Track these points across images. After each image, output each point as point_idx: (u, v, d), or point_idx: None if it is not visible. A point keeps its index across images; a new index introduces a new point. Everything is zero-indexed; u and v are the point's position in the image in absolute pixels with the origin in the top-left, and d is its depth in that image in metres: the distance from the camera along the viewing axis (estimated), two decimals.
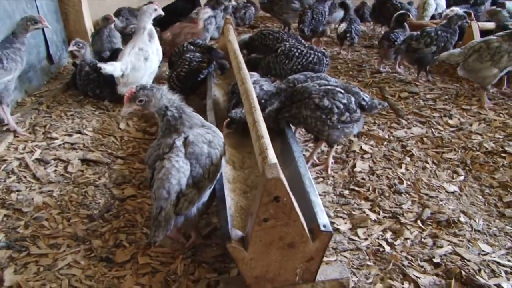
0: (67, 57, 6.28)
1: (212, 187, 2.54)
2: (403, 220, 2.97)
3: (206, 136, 2.48)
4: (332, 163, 3.66)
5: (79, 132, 4.17)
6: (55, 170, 3.58)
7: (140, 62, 4.62)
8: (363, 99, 3.40)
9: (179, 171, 2.29)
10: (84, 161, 3.74)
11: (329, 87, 3.33)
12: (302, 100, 3.28)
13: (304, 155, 3.77)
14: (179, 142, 2.40)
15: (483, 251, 2.67)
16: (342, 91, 3.32)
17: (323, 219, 2.26)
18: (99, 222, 3.04)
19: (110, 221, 3.06)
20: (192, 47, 5.26)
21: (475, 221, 2.95)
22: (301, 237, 2.17)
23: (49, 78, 5.57)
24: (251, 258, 2.21)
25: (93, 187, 3.41)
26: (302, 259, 2.25)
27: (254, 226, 2.12)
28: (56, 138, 4.03)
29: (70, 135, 4.10)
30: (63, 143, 3.96)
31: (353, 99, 3.33)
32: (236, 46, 4.62)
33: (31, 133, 4.11)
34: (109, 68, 4.47)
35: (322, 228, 2.19)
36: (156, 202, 2.26)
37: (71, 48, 4.71)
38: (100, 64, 4.51)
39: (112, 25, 5.57)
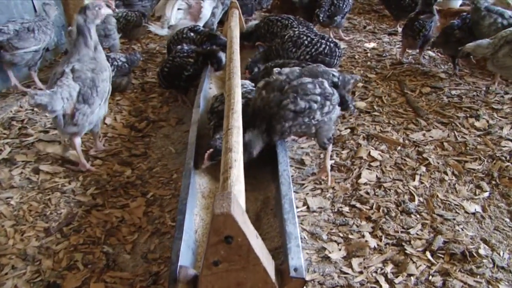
0: (66, 43, 5.92)
1: (104, 102, 3.23)
2: (408, 250, 2.45)
3: (90, 65, 3.08)
4: (331, 164, 3.16)
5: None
6: (21, 173, 3.22)
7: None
8: (333, 75, 2.91)
9: (69, 87, 2.93)
10: (56, 161, 3.37)
11: (293, 83, 2.76)
12: (277, 114, 2.70)
13: (303, 159, 3.30)
14: (67, 69, 3.01)
15: None
16: (309, 79, 2.79)
17: (295, 260, 1.79)
18: (55, 237, 2.67)
19: (68, 236, 2.67)
20: (192, 34, 4.81)
21: (499, 254, 2.41)
22: (264, 283, 1.72)
23: (43, 66, 5.22)
24: None
25: (59, 193, 3.03)
26: None
27: (203, 269, 1.68)
28: (30, 135, 3.67)
29: (47, 132, 3.73)
30: (37, 141, 3.59)
31: (325, 82, 2.82)
32: (235, 34, 4.14)
33: (6, 129, 3.77)
34: (152, 28, 5.29)
35: (293, 273, 1.73)
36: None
37: None
38: (148, 25, 5.37)
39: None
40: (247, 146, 2.54)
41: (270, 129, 2.70)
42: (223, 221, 1.53)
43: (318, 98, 2.72)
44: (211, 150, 2.64)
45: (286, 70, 2.90)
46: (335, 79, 2.89)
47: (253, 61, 4.08)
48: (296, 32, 4.18)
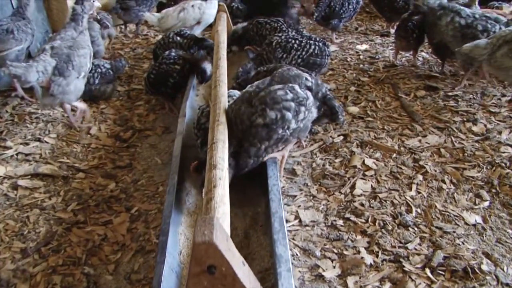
0: None
1: (83, 76, 3.62)
2: (407, 267, 2.32)
3: (68, 43, 3.52)
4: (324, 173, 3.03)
5: (38, 140, 3.63)
6: None
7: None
8: (307, 79, 2.74)
9: (45, 62, 3.31)
10: (36, 176, 3.21)
11: (261, 93, 2.59)
12: (247, 131, 2.52)
13: (294, 169, 3.16)
14: (47, 47, 3.45)
15: None
16: (280, 86, 2.62)
17: (285, 286, 1.64)
18: (33, 259, 2.51)
19: (46, 257, 2.52)
20: (178, 38, 4.68)
21: (502, 270, 2.28)
22: None
23: None
24: None
25: (38, 210, 2.88)
26: None
27: None
28: (9, 148, 3.50)
29: (27, 144, 3.56)
30: (16, 154, 3.43)
31: (296, 86, 2.65)
32: (223, 39, 4.02)
33: None
34: (146, 14, 5.66)
35: None
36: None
37: None
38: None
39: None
40: None
41: (241, 149, 2.51)
42: (205, 249, 1.39)
43: (292, 104, 2.55)
44: (196, 162, 2.49)
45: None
46: (309, 84, 2.73)
47: (244, 70, 3.90)
48: (283, 37, 4.04)
